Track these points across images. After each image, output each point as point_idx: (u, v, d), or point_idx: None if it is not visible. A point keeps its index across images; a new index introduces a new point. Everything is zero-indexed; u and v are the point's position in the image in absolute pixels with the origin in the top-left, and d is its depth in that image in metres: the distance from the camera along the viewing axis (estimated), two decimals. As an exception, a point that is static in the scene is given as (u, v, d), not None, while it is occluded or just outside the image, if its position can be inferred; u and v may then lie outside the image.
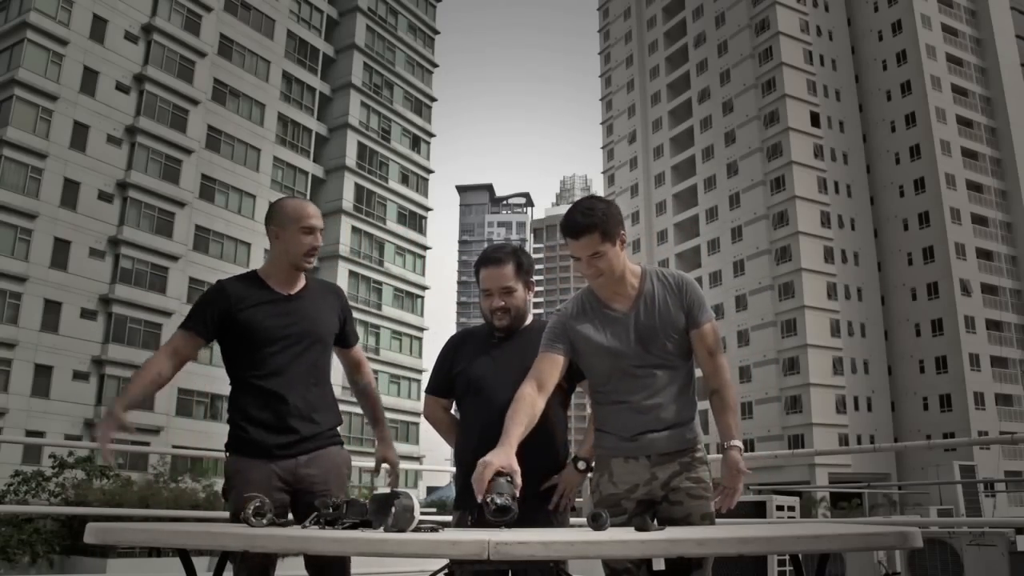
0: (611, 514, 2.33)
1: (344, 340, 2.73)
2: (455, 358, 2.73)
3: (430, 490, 50.77)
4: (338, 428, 2.66)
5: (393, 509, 1.85)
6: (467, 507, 2.58)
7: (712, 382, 2.47)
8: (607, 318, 2.44)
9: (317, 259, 2.67)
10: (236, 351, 2.53)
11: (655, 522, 2.09)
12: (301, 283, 2.64)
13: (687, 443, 2.46)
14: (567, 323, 2.47)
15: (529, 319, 2.73)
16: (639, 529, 1.85)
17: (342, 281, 41.70)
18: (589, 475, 2.61)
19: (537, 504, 2.48)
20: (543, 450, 2.59)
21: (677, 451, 2.46)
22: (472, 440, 2.62)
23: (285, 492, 2.45)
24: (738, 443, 2.39)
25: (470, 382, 2.65)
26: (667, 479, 2.44)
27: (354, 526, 1.94)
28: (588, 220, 2.33)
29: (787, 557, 3.56)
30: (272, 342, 2.51)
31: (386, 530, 1.84)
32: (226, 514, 2.46)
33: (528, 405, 2.31)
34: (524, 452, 2.56)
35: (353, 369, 2.79)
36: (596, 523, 1.94)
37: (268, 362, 2.50)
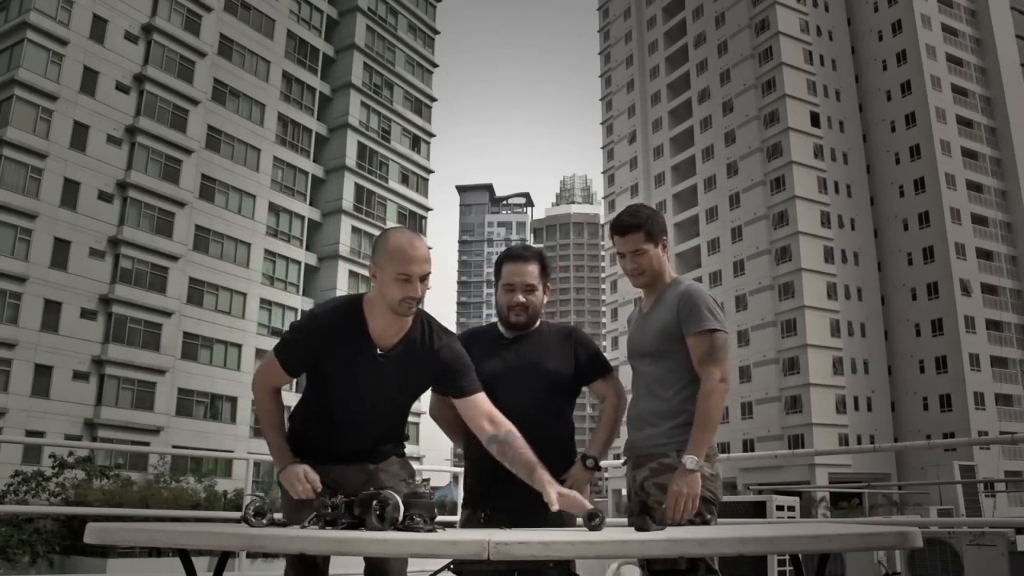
0: (628, 513, 2.57)
1: (451, 391, 2.41)
2: None
3: (430, 490, 50.74)
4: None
5: (374, 505, 1.88)
6: (478, 507, 2.58)
7: (700, 390, 2.50)
8: (639, 315, 2.70)
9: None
10: (315, 388, 2.36)
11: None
12: (402, 332, 2.32)
13: (655, 448, 2.50)
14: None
15: (537, 322, 2.75)
16: (639, 529, 1.85)
17: (342, 281, 41.73)
18: (596, 473, 2.66)
19: (542, 504, 2.49)
20: (551, 448, 2.60)
21: (647, 455, 2.52)
22: (480, 441, 2.62)
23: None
24: (690, 459, 2.38)
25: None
26: (641, 482, 2.53)
27: (351, 526, 1.94)
28: (634, 220, 2.61)
29: (787, 557, 3.57)
30: (336, 397, 2.33)
31: (373, 527, 1.85)
32: (226, 514, 2.45)
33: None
34: (534, 450, 2.59)
35: (489, 420, 2.35)
36: (591, 523, 1.94)
37: (324, 410, 2.36)
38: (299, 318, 2.38)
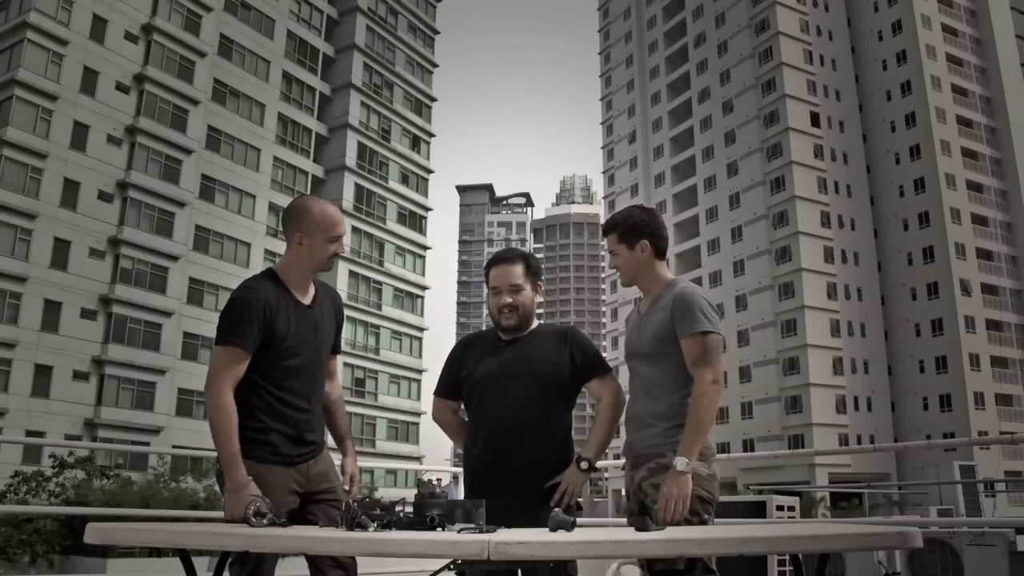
0: (628, 513, 2.59)
1: (331, 347, 2.67)
2: (463, 361, 2.76)
3: (430, 490, 50.72)
4: None
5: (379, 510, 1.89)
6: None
7: (692, 392, 2.50)
8: (637, 316, 2.72)
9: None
10: (258, 357, 2.40)
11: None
12: (312, 289, 2.59)
13: (653, 449, 2.51)
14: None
15: (534, 323, 2.77)
16: (639, 529, 1.85)
17: (342, 281, 41.73)
18: (592, 474, 2.68)
19: (541, 503, 2.49)
20: (546, 449, 2.61)
21: (645, 455, 2.53)
22: (479, 442, 2.65)
23: (298, 495, 2.45)
24: (681, 460, 2.39)
25: (476, 384, 2.68)
26: (639, 482, 2.53)
27: (351, 527, 1.95)
28: (611, 222, 2.71)
29: (787, 557, 3.57)
30: (297, 354, 2.46)
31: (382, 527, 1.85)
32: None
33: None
34: (529, 451, 2.60)
35: (329, 378, 2.68)
36: (562, 526, 1.86)
37: (289, 374, 2.45)
38: (231, 301, 2.45)
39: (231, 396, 2.32)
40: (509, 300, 2.67)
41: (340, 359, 2.79)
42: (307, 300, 2.55)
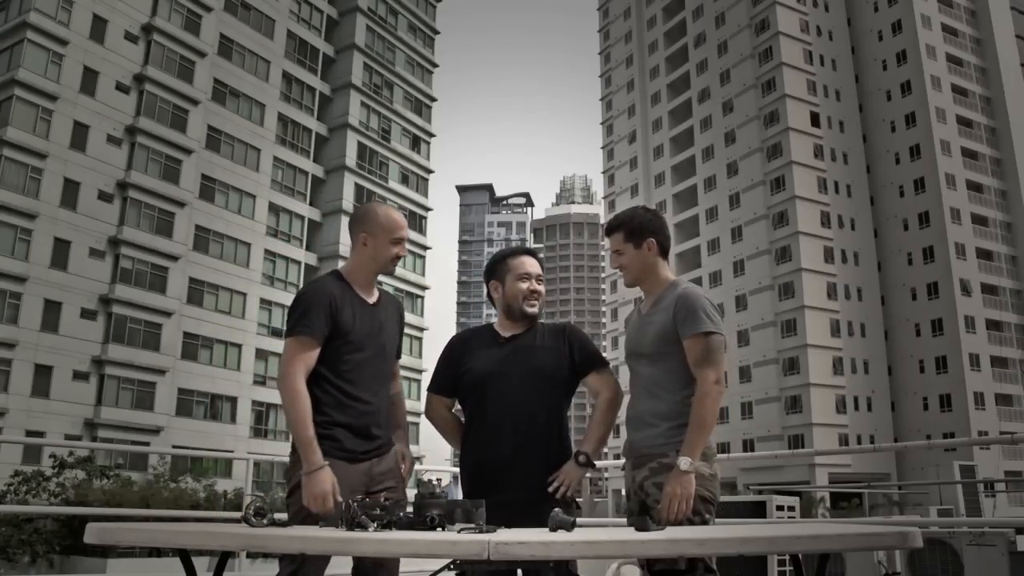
0: (628, 513, 2.58)
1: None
2: (461, 357, 2.76)
3: (430, 490, 50.62)
4: None
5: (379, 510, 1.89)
6: None
7: (695, 393, 2.51)
8: (638, 317, 2.73)
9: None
10: (324, 350, 2.51)
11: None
12: (376, 292, 2.74)
13: (655, 448, 2.52)
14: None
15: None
16: (639, 529, 1.85)
17: (342, 281, 41.67)
18: (591, 469, 2.69)
19: (542, 500, 2.49)
20: (549, 444, 2.61)
21: (646, 455, 2.53)
22: (480, 439, 2.64)
23: (362, 493, 2.48)
24: (684, 460, 2.40)
25: (476, 381, 2.68)
26: (640, 482, 2.53)
27: (351, 527, 1.94)
28: (616, 221, 2.72)
29: (787, 557, 3.57)
30: (361, 348, 2.56)
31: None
32: (226, 514, 2.46)
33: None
34: (534, 447, 2.61)
35: (392, 378, 2.80)
36: (562, 526, 1.89)
37: (354, 367, 2.55)
38: (299, 296, 2.57)
39: (303, 383, 2.43)
40: (539, 287, 2.75)
41: (398, 363, 2.87)
42: (372, 300, 2.69)
